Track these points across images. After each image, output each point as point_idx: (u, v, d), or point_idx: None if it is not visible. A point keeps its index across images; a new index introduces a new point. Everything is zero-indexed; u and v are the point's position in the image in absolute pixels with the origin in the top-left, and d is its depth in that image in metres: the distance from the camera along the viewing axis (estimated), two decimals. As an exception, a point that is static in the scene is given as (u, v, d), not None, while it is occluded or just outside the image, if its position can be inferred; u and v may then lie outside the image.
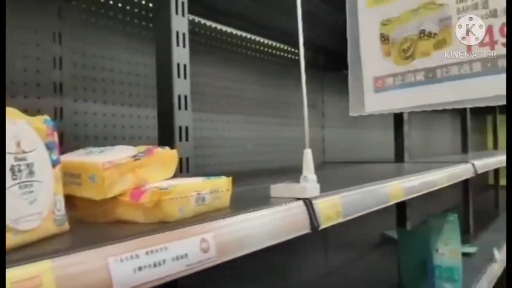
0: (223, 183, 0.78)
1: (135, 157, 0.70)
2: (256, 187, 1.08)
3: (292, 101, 2.11)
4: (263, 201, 0.84)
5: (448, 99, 1.03)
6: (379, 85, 1.13)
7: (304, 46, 0.96)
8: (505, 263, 2.33)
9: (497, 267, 2.16)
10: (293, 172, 0.96)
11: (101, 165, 0.64)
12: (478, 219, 2.92)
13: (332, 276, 2.07)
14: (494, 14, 0.95)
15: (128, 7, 1.39)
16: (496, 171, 4.20)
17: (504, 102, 0.92)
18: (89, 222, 0.67)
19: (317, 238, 1.97)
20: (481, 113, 5.10)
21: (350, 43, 1.17)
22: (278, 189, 0.90)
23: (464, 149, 3.26)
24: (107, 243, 0.51)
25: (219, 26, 1.77)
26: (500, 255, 2.25)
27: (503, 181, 4.71)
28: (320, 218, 0.87)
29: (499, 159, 2.90)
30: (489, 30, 0.95)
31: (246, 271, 1.07)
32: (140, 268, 0.52)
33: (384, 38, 1.11)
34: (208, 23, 1.72)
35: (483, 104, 0.98)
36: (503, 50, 0.94)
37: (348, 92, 1.22)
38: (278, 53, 2.10)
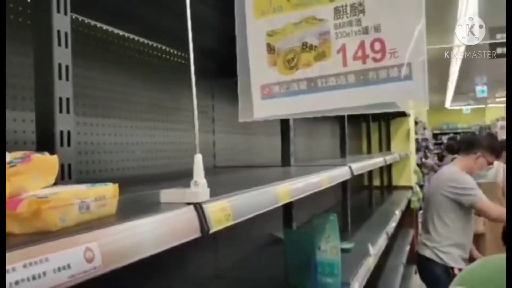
0: (109, 190, 0.75)
1: (10, 164, 0.65)
2: (146, 193, 1.06)
3: (182, 106, 2.10)
4: (152, 207, 0.83)
5: (327, 107, 1.12)
6: (266, 92, 1.18)
7: (195, 51, 0.97)
8: (378, 257, 2.58)
9: (371, 260, 2.37)
10: (184, 177, 0.96)
11: (-31, 173, 0.58)
12: (354, 218, 3.19)
13: (222, 278, 2.09)
14: (365, 31, 1.06)
15: (1, 1, 1.27)
16: (370, 173, 4.62)
17: (373, 111, 1.03)
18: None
19: (207, 240, 1.98)
20: (357, 121, 5.61)
21: (239, 52, 1.21)
22: (168, 194, 0.89)
23: (343, 153, 3.55)
24: (-24, 258, 0.46)
25: (105, 27, 1.69)
26: (374, 250, 2.48)
27: (376, 182, 5.25)
28: (211, 222, 0.89)
29: (372, 162, 3.20)
30: (362, 45, 1.06)
31: (130, 274, 1.04)
32: (17, 282, 0.48)
33: (270, 48, 1.16)
34: (94, 23, 1.64)
35: (357, 112, 1.09)
36: (373, 64, 1.05)
37: (238, 99, 1.26)
38: (168, 57, 2.08)
